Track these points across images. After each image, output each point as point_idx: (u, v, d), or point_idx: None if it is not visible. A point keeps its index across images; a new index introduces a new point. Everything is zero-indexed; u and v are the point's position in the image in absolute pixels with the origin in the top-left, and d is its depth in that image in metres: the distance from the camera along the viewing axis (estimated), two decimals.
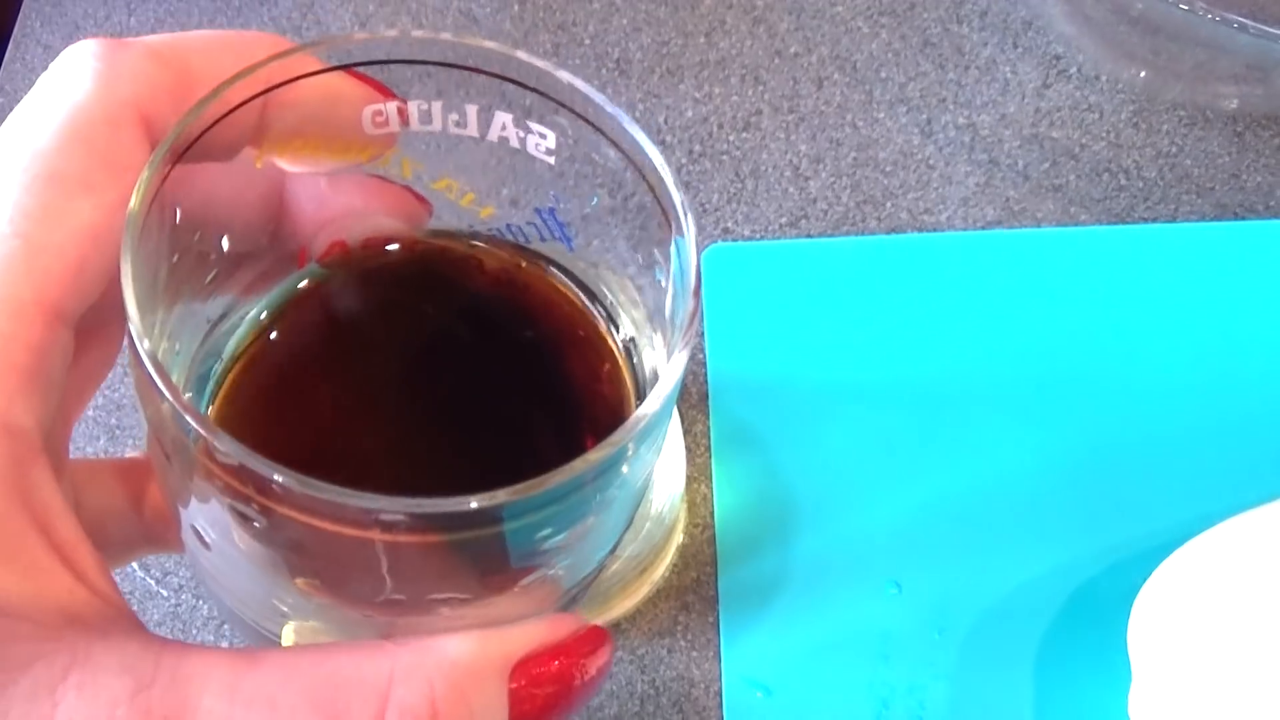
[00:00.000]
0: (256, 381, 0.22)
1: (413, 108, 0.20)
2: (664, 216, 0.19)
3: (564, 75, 0.19)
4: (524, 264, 0.23)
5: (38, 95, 0.19)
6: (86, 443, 0.41)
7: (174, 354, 0.21)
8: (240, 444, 0.15)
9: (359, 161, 0.22)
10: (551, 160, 0.20)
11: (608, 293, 0.23)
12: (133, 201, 0.17)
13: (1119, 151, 0.44)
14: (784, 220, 0.43)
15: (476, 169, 0.21)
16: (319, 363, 0.23)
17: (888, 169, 0.44)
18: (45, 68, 0.20)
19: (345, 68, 0.20)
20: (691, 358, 0.40)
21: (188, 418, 0.16)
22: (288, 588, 0.19)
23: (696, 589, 0.38)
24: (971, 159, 0.44)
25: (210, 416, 0.21)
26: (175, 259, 0.20)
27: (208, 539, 0.19)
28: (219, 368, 0.22)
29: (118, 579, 0.40)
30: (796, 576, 0.38)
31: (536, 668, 0.18)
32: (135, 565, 0.40)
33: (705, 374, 0.40)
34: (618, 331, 0.23)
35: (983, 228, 0.43)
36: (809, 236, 0.43)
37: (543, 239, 0.22)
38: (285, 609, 0.20)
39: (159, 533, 0.23)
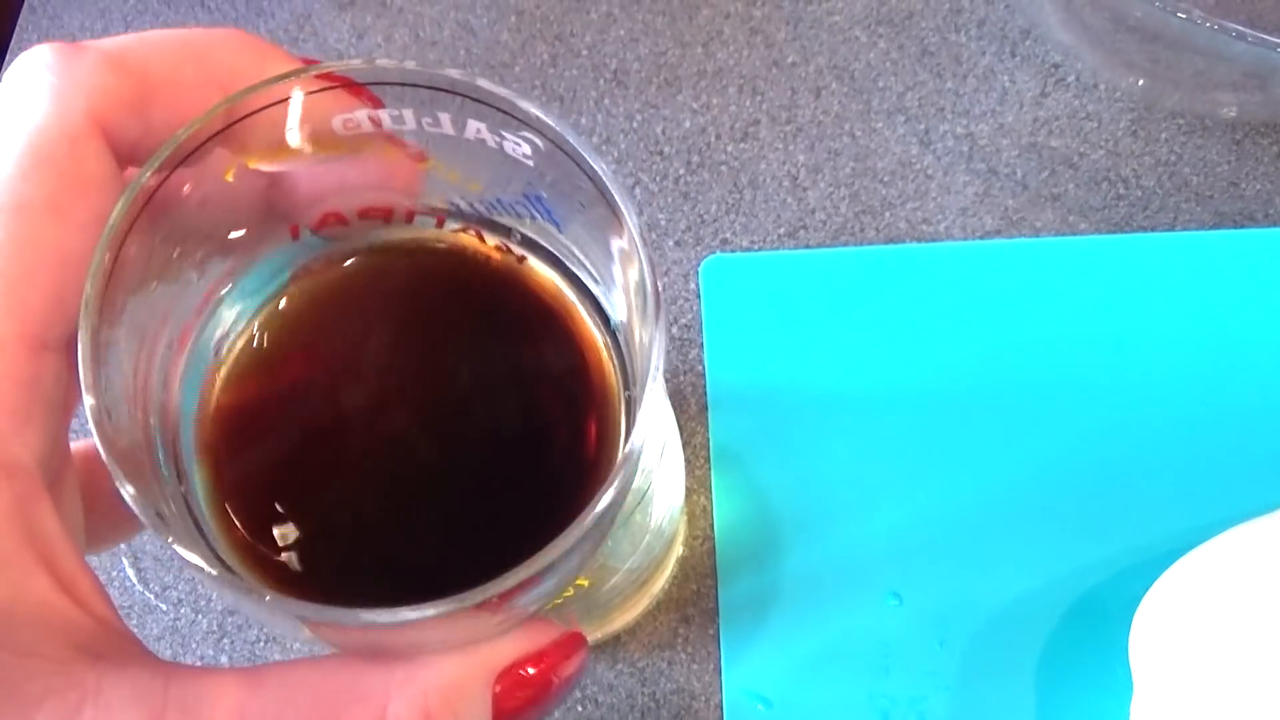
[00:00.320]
0: (245, 395, 0.22)
1: (385, 115, 0.20)
2: (628, 247, 0.20)
3: (526, 105, 0.19)
4: (501, 256, 0.23)
5: None
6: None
7: (164, 345, 0.21)
8: (232, 576, 0.17)
9: (336, 155, 0.21)
10: (530, 162, 0.20)
11: (598, 274, 0.23)
12: (88, 287, 0.17)
13: (1118, 160, 0.44)
14: (782, 231, 0.43)
15: (459, 158, 0.21)
16: (309, 373, 0.23)
17: (886, 179, 0.44)
18: None
19: (335, 85, 0.19)
20: (689, 370, 0.40)
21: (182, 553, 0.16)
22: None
23: (696, 601, 0.38)
24: (970, 168, 0.44)
25: (199, 418, 0.21)
26: (160, 265, 0.20)
27: None
28: (208, 366, 0.22)
29: (116, 594, 0.40)
30: (797, 588, 0.38)
31: (518, 673, 0.20)
32: (134, 579, 0.40)
33: (704, 385, 0.40)
34: (612, 314, 0.23)
35: (981, 237, 0.43)
36: (807, 247, 0.43)
37: (534, 218, 0.22)
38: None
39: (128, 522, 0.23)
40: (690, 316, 0.42)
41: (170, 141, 0.18)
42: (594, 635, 0.37)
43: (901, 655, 0.37)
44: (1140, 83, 0.43)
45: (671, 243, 0.43)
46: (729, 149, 0.44)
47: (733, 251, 0.43)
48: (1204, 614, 0.33)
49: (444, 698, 0.18)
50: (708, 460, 0.40)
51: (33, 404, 0.18)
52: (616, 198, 0.19)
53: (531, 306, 0.23)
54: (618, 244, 0.20)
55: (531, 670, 0.20)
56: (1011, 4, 0.46)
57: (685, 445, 0.39)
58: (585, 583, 0.30)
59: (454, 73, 0.19)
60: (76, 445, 0.20)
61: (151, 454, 0.20)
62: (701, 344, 0.41)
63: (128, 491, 0.17)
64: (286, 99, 0.19)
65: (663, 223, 0.43)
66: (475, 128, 0.20)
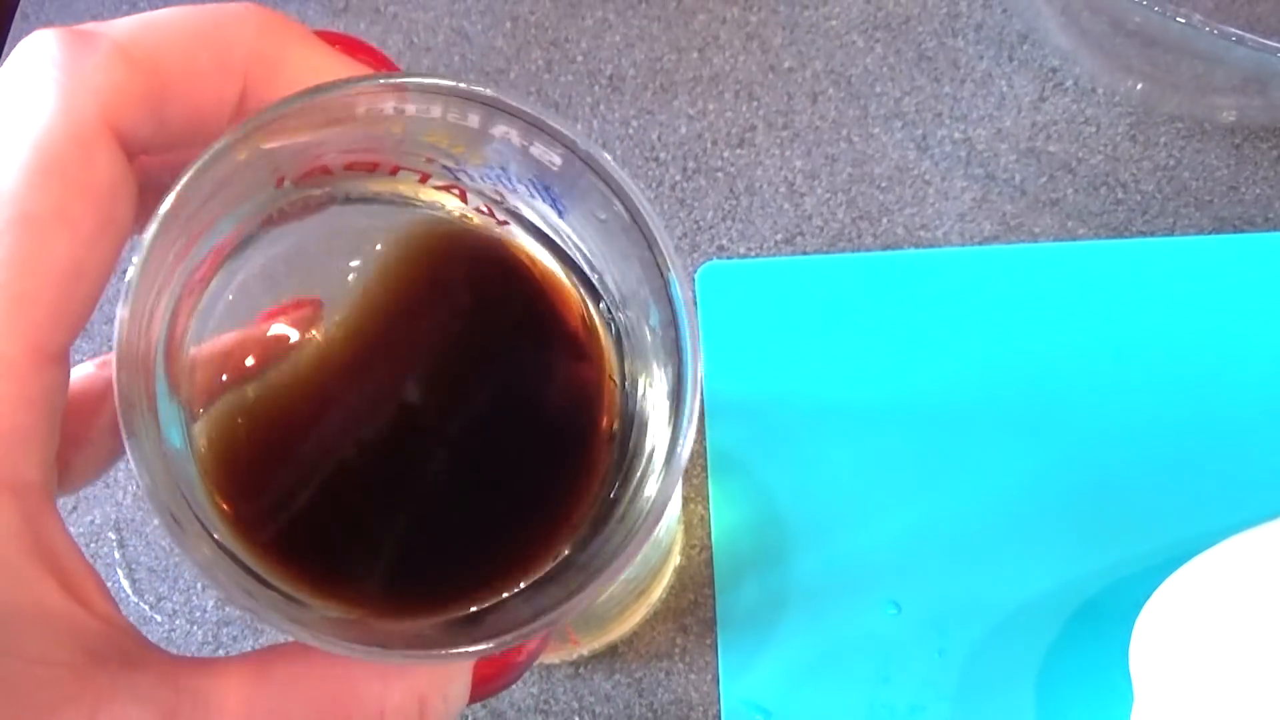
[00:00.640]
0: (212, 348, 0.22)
1: (410, 107, 0.19)
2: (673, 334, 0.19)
3: (594, 152, 0.19)
4: (481, 219, 0.23)
5: None
6: None
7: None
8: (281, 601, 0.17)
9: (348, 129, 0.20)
10: (555, 169, 0.20)
11: (590, 255, 0.22)
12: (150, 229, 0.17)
13: (1116, 165, 0.43)
14: (779, 237, 0.43)
15: (475, 146, 0.20)
16: (270, 324, 0.22)
17: (883, 184, 0.43)
18: None
19: (392, 86, 0.18)
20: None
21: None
22: None
23: (694, 611, 0.38)
24: (968, 174, 0.43)
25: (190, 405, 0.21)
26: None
27: None
28: (177, 309, 0.21)
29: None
30: (795, 597, 0.38)
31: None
32: (129, 590, 0.40)
33: (701, 393, 0.40)
34: (601, 301, 0.22)
35: (980, 243, 0.42)
36: (804, 253, 0.42)
37: (532, 196, 0.22)
38: None
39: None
40: None
41: (199, 159, 0.17)
42: (591, 646, 0.37)
43: (901, 664, 0.37)
44: (1139, 87, 0.43)
45: None
46: (725, 155, 0.44)
47: (729, 258, 0.42)
48: (1205, 623, 0.33)
49: (434, 682, 0.20)
50: (705, 469, 0.39)
51: (38, 419, 0.17)
52: (663, 250, 0.19)
53: (513, 271, 0.23)
54: (646, 268, 0.20)
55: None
56: (1009, 8, 0.46)
57: None
58: None
59: (486, 89, 0.19)
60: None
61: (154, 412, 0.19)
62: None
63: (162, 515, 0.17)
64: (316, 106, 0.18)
65: None
66: (504, 130, 0.19)
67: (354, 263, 0.23)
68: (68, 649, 0.17)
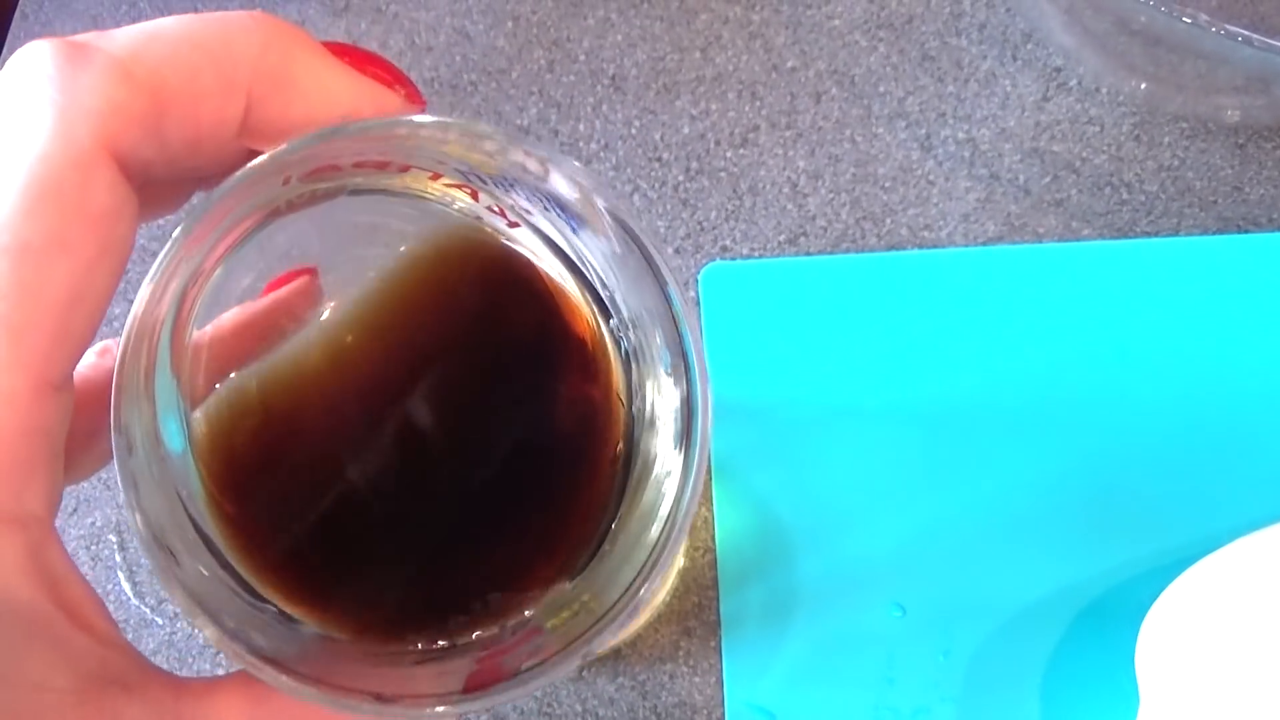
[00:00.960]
0: (244, 389, 0.21)
1: (426, 134, 0.19)
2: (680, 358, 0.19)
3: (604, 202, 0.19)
4: (490, 216, 0.22)
5: None
6: None
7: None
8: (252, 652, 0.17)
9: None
10: (574, 200, 0.19)
11: (602, 273, 0.22)
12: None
13: (1120, 165, 0.43)
14: (783, 238, 0.43)
15: (490, 164, 0.20)
16: (275, 319, 0.22)
17: (887, 185, 0.43)
18: None
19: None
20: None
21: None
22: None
23: (698, 613, 0.38)
24: (972, 174, 0.43)
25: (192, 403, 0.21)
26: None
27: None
28: (183, 299, 0.21)
29: (112, 608, 0.39)
30: (799, 599, 0.38)
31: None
32: (130, 593, 0.40)
33: (708, 458, 0.40)
34: (611, 319, 0.22)
35: (984, 243, 0.42)
36: (808, 254, 0.42)
37: (546, 211, 0.21)
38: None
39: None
40: None
41: (216, 192, 0.17)
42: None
43: (905, 667, 0.37)
44: (1143, 87, 0.43)
45: (670, 250, 0.43)
46: (728, 155, 0.44)
47: (732, 259, 0.42)
48: (1211, 625, 0.32)
49: None
50: (708, 471, 0.39)
51: (40, 449, 0.17)
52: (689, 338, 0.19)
53: (525, 283, 0.22)
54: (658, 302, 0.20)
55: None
56: (1013, 7, 0.46)
57: None
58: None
59: (539, 152, 0.18)
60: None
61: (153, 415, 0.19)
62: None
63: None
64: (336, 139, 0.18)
65: (661, 230, 0.43)
66: (520, 159, 0.19)
67: (362, 255, 0.22)
68: (69, 675, 0.17)
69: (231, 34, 0.18)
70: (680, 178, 0.44)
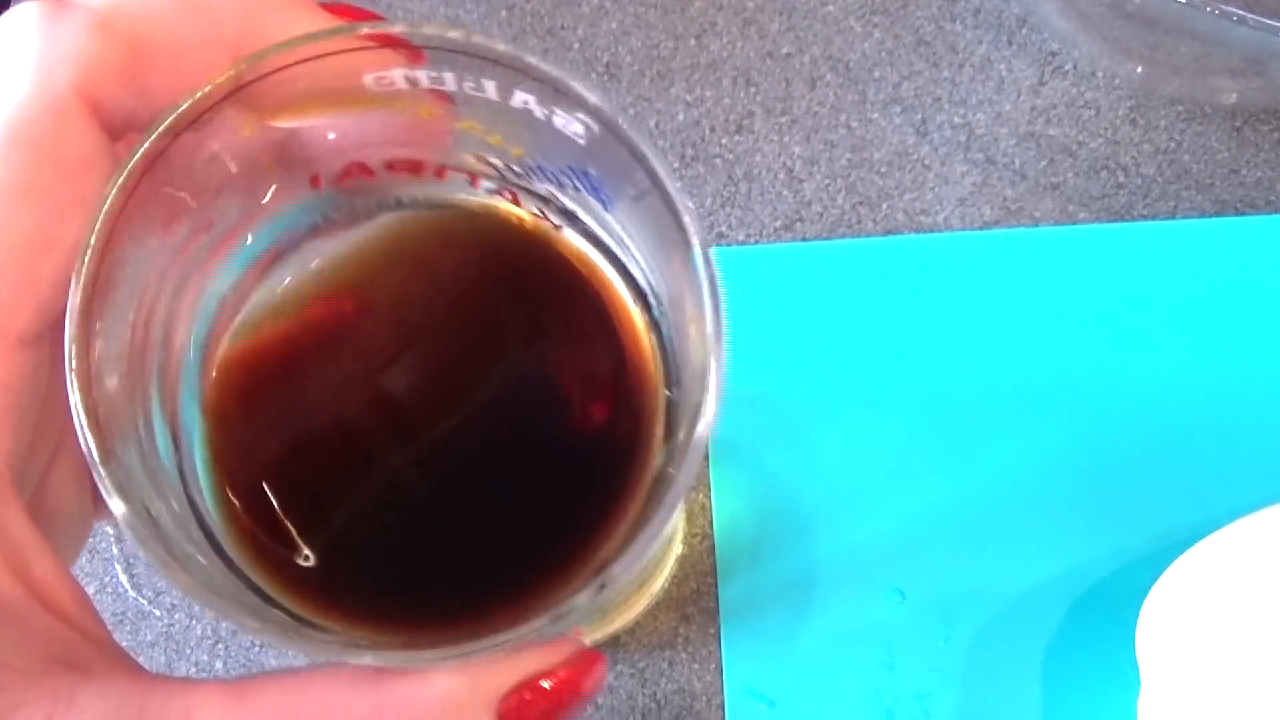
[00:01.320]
0: (253, 359, 0.21)
1: (422, 74, 0.18)
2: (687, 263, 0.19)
3: (579, 87, 0.18)
4: (535, 222, 0.22)
5: None
6: None
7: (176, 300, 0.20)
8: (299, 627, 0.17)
9: (365, 110, 0.20)
10: (582, 141, 0.19)
11: (644, 262, 0.21)
12: (81, 260, 0.16)
13: (1117, 148, 0.43)
14: (779, 224, 0.43)
15: (501, 122, 0.19)
16: (323, 338, 0.21)
17: (883, 170, 0.43)
18: None
19: (378, 43, 0.17)
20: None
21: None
22: None
23: (697, 600, 0.38)
24: (968, 158, 0.43)
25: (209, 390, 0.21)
26: (164, 220, 0.18)
27: None
28: (213, 324, 0.21)
29: (109, 600, 0.39)
30: (798, 585, 0.38)
31: (528, 694, 0.18)
32: (127, 585, 0.40)
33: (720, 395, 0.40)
34: (654, 302, 0.22)
35: (980, 228, 0.42)
36: (804, 240, 0.42)
37: (577, 189, 0.21)
38: None
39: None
40: None
41: (170, 110, 0.17)
42: (593, 636, 0.37)
43: (905, 652, 0.37)
44: (1139, 69, 0.43)
45: None
46: (723, 142, 0.44)
47: (729, 245, 0.42)
48: (1212, 607, 0.32)
49: (442, 713, 0.17)
50: (706, 456, 0.39)
51: (4, 406, 0.17)
52: (682, 215, 0.18)
53: (566, 280, 0.22)
54: (675, 247, 0.19)
55: (545, 684, 0.18)
56: None
57: None
58: None
59: (502, 46, 0.17)
60: None
61: (148, 423, 0.19)
62: None
63: (118, 509, 0.16)
64: (313, 58, 0.17)
65: None
66: (523, 99, 0.18)
67: (406, 276, 0.22)
68: (27, 654, 0.16)
69: None
70: (676, 165, 0.44)
